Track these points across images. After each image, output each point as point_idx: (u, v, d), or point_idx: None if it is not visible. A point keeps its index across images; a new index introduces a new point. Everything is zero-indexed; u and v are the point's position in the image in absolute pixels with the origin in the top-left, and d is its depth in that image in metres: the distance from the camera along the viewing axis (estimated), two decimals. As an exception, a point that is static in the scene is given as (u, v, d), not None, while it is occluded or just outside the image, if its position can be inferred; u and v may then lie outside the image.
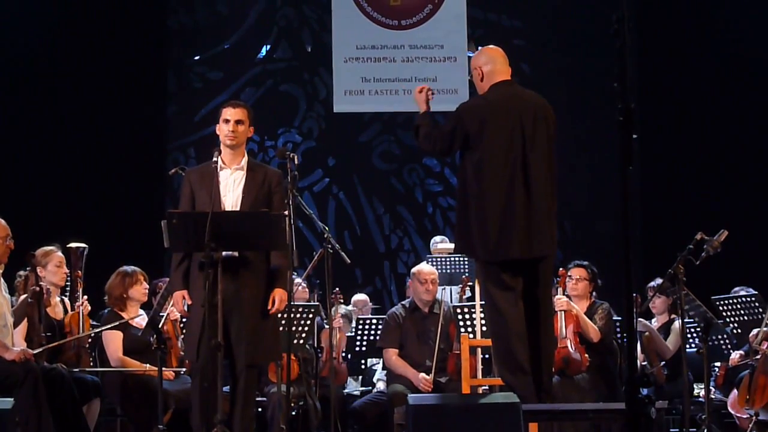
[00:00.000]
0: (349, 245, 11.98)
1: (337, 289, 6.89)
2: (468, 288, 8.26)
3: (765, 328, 7.30)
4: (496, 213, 5.59)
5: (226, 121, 6.11)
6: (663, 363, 7.95)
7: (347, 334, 8.42)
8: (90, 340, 7.31)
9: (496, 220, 5.58)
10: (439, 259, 8.91)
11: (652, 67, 11.83)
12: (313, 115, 12.48)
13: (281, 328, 6.40)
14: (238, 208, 6.02)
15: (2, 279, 6.65)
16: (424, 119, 5.97)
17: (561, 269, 7.64)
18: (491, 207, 5.60)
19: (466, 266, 8.70)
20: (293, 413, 7.48)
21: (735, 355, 7.76)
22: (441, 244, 9.81)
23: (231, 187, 6.09)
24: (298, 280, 7.96)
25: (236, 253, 5.94)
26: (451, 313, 7.68)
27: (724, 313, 7.74)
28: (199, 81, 12.40)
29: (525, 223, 5.58)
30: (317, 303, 7.86)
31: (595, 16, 11.37)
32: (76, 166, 11.26)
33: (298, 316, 7.41)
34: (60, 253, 7.24)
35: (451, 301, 8.47)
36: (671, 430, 8.34)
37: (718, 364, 8.17)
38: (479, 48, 6.05)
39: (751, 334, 7.53)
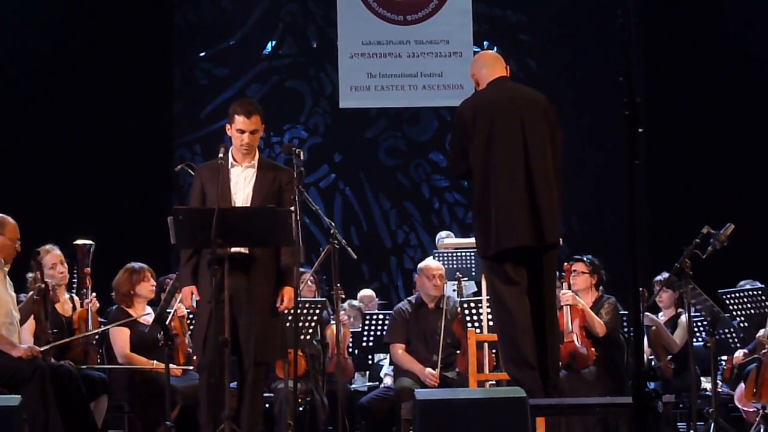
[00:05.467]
0: (356, 241, 11.97)
1: (338, 285, 6.89)
2: (464, 287, 8.31)
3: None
4: (498, 204, 5.59)
5: (241, 131, 6.05)
6: (670, 357, 7.94)
7: (353, 330, 8.42)
8: (97, 337, 7.32)
9: (499, 211, 5.58)
10: (445, 254, 8.90)
11: (658, 61, 11.81)
12: (319, 111, 12.47)
13: (288, 324, 6.40)
14: (248, 205, 6.01)
15: (8, 277, 6.65)
16: None
17: (565, 264, 7.64)
18: (493, 199, 5.60)
19: (473, 261, 8.69)
20: (300, 409, 7.49)
21: (739, 354, 7.74)
22: (447, 239, 9.78)
23: (242, 185, 6.07)
24: (307, 275, 7.94)
25: (246, 250, 5.95)
26: (456, 309, 7.66)
27: (730, 307, 7.74)
28: (205, 77, 12.40)
29: (528, 213, 5.58)
30: (324, 299, 7.86)
31: (600, 10, 11.32)
32: (82, 163, 11.26)
33: (305, 311, 7.41)
34: (57, 252, 7.15)
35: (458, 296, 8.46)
36: (678, 423, 8.34)
37: (725, 357, 8.16)
38: None
39: (759, 335, 7.51)
